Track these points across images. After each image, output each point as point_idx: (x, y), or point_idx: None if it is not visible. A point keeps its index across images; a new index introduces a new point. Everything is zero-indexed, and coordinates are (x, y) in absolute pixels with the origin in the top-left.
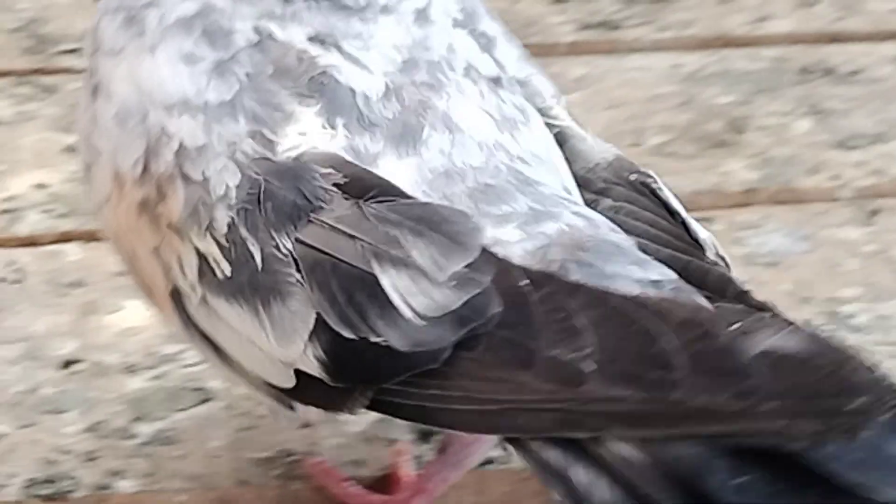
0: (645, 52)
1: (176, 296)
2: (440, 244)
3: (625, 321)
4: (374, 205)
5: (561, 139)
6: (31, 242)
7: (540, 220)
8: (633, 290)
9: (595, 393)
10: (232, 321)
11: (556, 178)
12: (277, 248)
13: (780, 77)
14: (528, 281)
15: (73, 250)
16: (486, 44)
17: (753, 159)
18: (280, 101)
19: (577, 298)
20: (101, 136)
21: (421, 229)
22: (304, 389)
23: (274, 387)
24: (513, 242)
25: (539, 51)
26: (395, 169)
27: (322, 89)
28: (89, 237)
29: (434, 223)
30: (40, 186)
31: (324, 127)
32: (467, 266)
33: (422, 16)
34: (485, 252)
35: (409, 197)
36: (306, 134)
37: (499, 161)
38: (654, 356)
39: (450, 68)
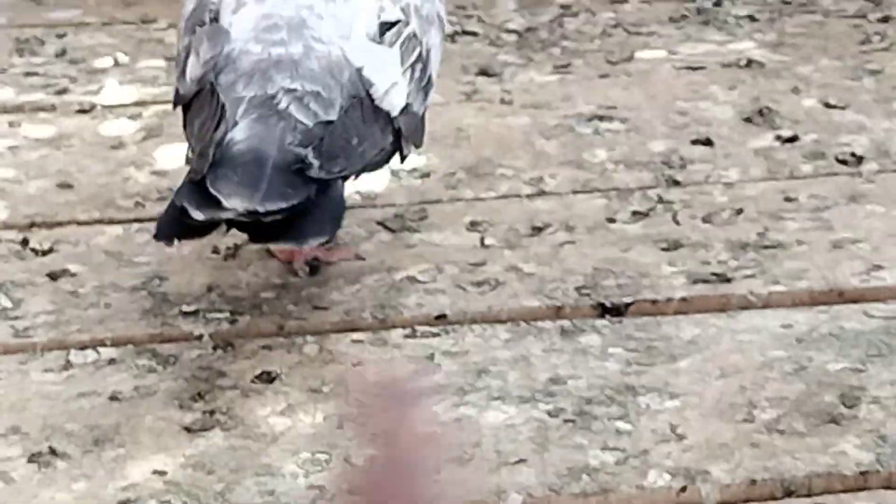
0: (756, 309)
1: None
2: None
3: None
4: None
5: None
6: None
7: None
8: None
9: None
10: None
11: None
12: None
13: (893, 340)
14: None
15: None
16: None
17: (867, 437)
18: None
19: None
20: None
21: None
22: None
23: None
24: None
25: (652, 309)
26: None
27: None
28: None
29: None
30: (159, 473)
31: None
32: None
33: None
34: None
35: None
36: None
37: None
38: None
39: None
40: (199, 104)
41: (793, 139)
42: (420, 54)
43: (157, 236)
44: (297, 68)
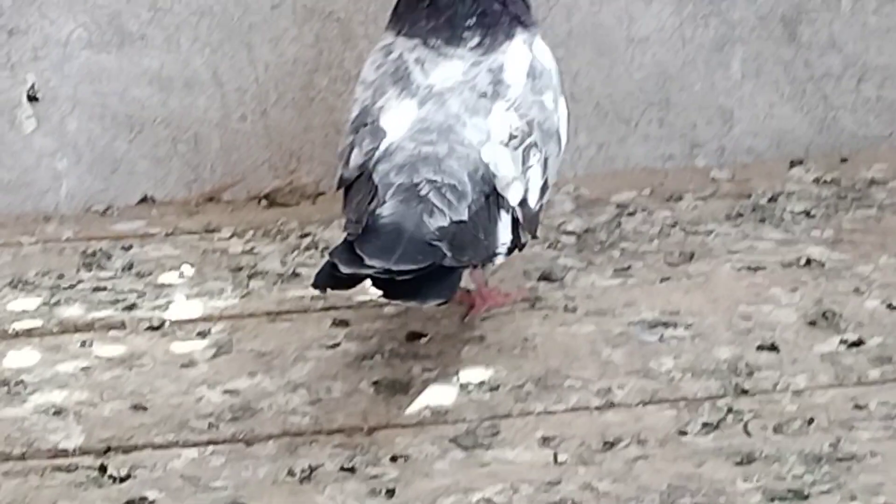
0: None
1: None
2: None
3: None
4: None
5: None
6: None
7: None
8: None
9: None
10: None
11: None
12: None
13: None
14: None
15: None
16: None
17: None
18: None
19: None
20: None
21: None
22: None
23: None
24: None
25: None
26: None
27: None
28: None
29: None
30: None
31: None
32: None
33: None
34: None
35: None
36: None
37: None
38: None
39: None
40: (358, 186)
41: (858, 343)
42: (539, 160)
43: (314, 285)
44: (440, 164)
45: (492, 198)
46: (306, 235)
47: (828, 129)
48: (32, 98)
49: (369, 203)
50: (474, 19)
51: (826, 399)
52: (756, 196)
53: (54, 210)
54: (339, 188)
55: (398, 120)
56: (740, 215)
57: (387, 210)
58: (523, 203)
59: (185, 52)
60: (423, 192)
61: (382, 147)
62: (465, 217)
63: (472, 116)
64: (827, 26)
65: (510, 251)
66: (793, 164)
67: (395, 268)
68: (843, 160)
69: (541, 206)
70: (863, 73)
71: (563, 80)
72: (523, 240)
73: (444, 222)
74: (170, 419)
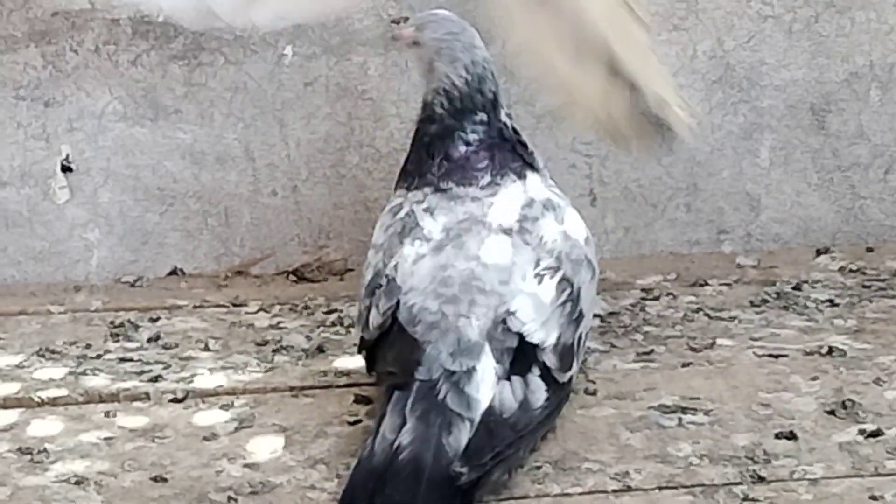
0: None
1: None
2: None
3: None
4: None
5: None
6: None
7: None
8: None
9: None
10: None
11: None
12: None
13: None
14: None
15: None
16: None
17: None
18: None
19: None
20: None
21: None
22: None
23: None
24: None
25: None
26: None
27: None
28: None
29: None
30: None
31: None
32: None
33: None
34: None
35: None
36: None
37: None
38: None
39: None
40: (390, 341)
41: (877, 433)
42: (570, 294)
43: None
44: (459, 342)
45: (519, 384)
46: (332, 311)
47: (854, 219)
48: (66, 169)
49: (412, 351)
50: (486, 162)
51: (842, 489)
52: (781, 283)
53: (84, 280)
54: (360, 351)
55: (420, 266)
56: (764, 302)
57: (406, 437)
58: (557, 342)
59: (219, 126)
60: (440, 396)
61: (402, 302)
62: (482, 408)
63: (493, 256)
64: (855, 116)
65: (548, 416)
66: (819, 253)
67: None
68: (869, 250)
69: (577, 340)
70: (890, 164)
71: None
72: (561, 380)
73: (465, 436)
74: (189, 491)
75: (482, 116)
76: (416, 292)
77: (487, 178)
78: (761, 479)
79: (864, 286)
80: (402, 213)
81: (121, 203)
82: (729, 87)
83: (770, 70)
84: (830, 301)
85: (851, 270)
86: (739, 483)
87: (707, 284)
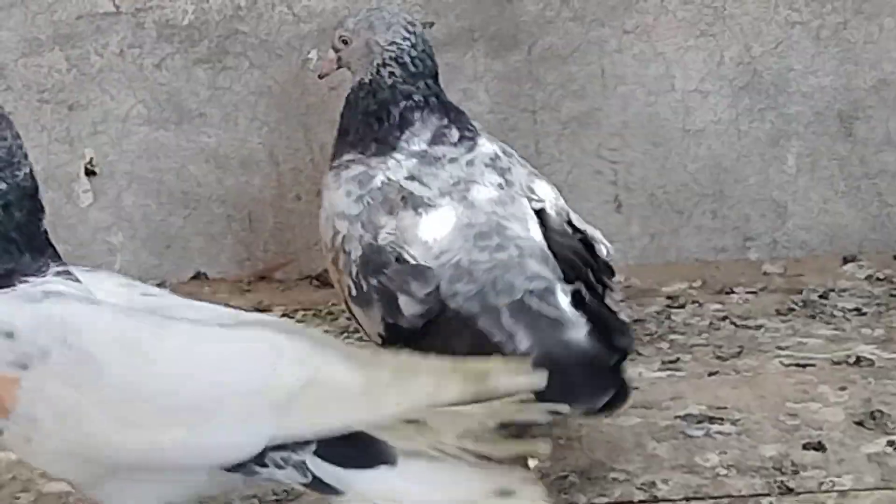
0: None
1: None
2: None
3: None
4: None
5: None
6: None
7: None
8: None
9: None
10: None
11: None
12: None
13: None
14: None
15: None
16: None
17: None
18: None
19: None
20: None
21: None
22: None
23: None
24: None
25: None
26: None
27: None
28: None
29: None
30: None
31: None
32: None
33: (469, 163)
34: None
35: None
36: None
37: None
38: None
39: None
40: (446, 330)
41: None
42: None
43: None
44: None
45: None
46: None
47: (882, 226)
48: (90, 172)
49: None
50: (446, 120)
51: (871, 501)
52: (807, 292)
53: None
54: (388, 344)
55: (442, 229)
56: (791, 310)
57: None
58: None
59: (243, 131)
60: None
61: (448, 283)
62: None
63: (503, 209)
64: (883, 123)
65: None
66: (846, 261)
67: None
68: None
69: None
70: None
71: None
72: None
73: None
74: (215, 497)
75: (430, 81)
76: (453, 266)
77: (456, 135)
78: (789, 491)
79: (892, 295)
80: (376, 182)
81: (144, 207)
82: (756, 93)
83: (797, 76)
84: (858, 310)
85: (879, 279)
86: (767, 494)
87: (733, 292)
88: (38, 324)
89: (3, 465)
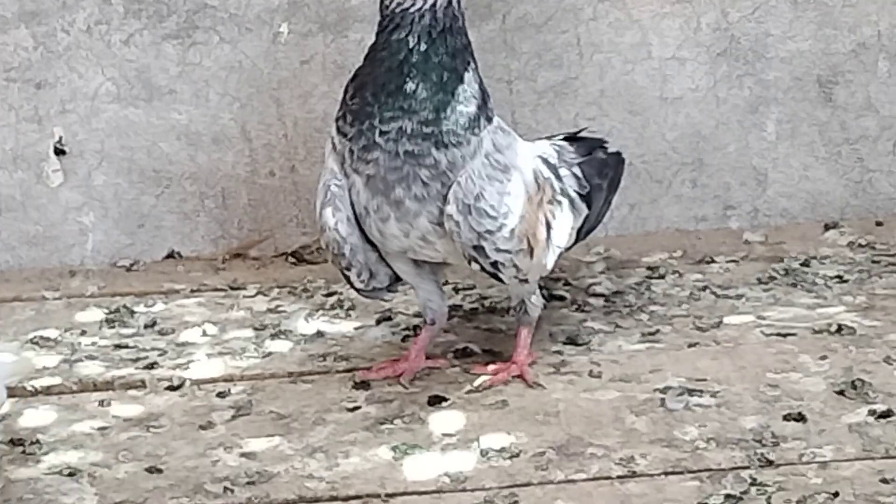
0: None
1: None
2: None
3: None
4: None
5: None
6: None
7: None
8: None
9: None
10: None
11: None
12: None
13: None
14: None
15: None
16: None
17: None
18: None
19: None
20: None
21: None
22: None
23: None
24: None
25: None
26: None
27: None
28: None
29: None
30: None
31: None
32: None
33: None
34: None
35: None
36: None
37: None
38: None
39: None
40: None
41: (887, 414)
42: None
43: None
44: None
45: None
46: (332, 294)
47: (863, 192)
48: (60, 151)
49: None
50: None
51: (852, 472)
52: (788, 260)
53: (80, 264)
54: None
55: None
56: (772, 279)
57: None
58: None
59: (214, 107)
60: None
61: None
62: None
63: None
64: (863, 88)
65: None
66: (827, 228)
67: None
68: (879, 224)
69: None
70: None
71: None
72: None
73: None
74: (185, 482)
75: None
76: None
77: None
78: (769, 463)
79: (874, 261)
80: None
81: (115, 186)
82: (734, 59)
83: (776, 42)
84: (839, 277)
85: (860, 245)
86: (747, 467)
87: (714, 262)
88: None
89: None
